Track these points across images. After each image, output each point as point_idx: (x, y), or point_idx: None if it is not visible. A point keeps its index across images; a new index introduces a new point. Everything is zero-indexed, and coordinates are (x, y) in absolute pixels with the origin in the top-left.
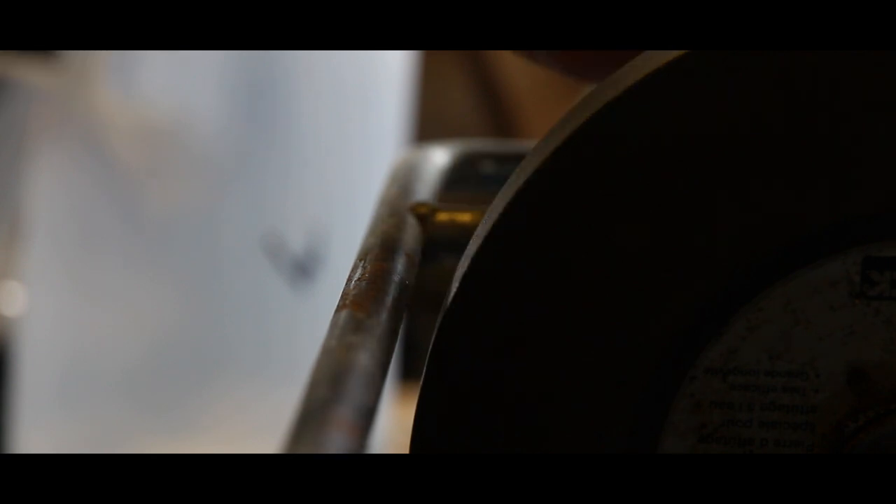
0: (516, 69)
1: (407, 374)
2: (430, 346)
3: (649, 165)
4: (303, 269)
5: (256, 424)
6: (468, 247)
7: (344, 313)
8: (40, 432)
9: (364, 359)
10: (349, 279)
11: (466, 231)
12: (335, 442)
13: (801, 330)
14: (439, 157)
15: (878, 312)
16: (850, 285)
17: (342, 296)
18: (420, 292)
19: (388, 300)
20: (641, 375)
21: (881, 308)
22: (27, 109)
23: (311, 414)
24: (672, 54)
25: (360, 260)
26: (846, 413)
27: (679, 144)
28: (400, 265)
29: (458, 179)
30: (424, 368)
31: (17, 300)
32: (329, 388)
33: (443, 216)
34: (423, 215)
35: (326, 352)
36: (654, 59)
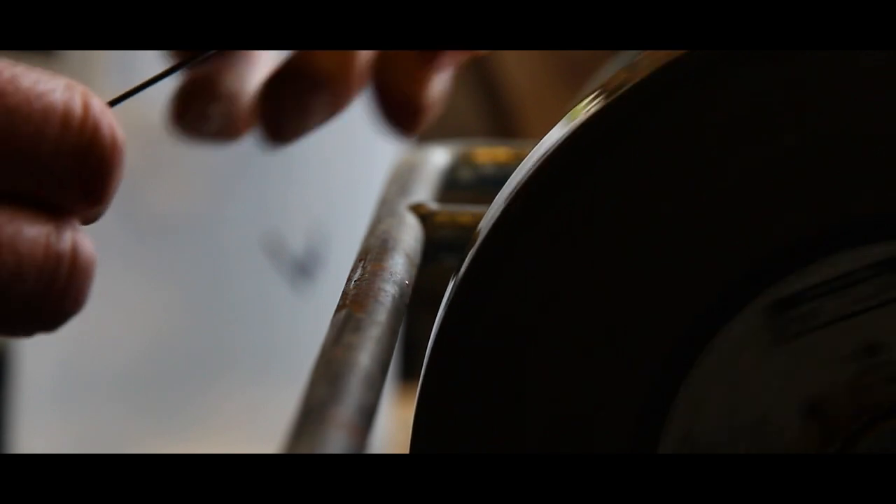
0: (516, 69)
1: (407, 374)
2: (429, 346)
3: (650, 166)
4: (303, 269)
5: (258, 426)
6: (468, 246)
7: (344, 313)
8: (40, 433)
9: (364, 359)
10: (349, 279)
11: (466, 231)
12: (335, 442)
13: (743, 387)
14: (439, 157)
15: (805, 348)
16: (768, 332)
17: (342, 296)
18: (420, 292)
19: (388, 300)
20: (637, 384)
21: (807, 343)
22: None
23: (311, 414)
24: (673, 54)
25: (360, 260)
26: (816, 448)
27: (676, 146)
28: (400, 265)
29: (458, 179)
30: (423, 368)
31: None
32: (329, 388)
33: (443, 216)
34: (423, 215)
35: (326, 352)
36: (654, 59)
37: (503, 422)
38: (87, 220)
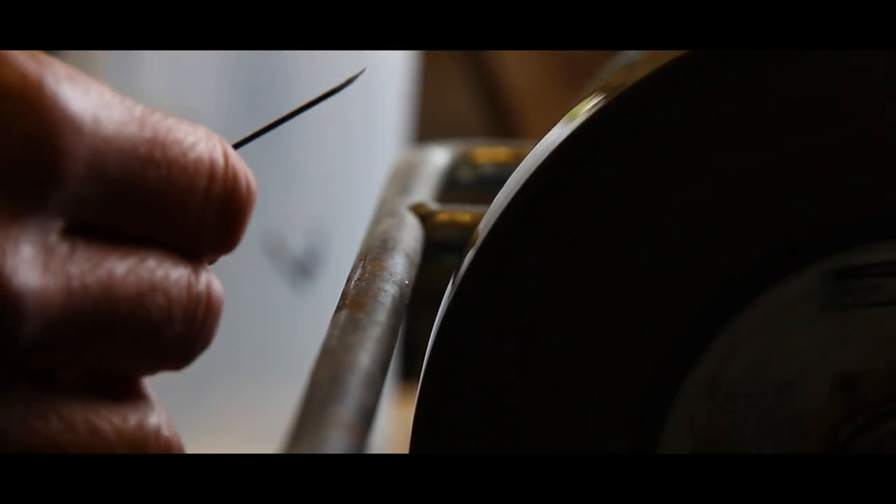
0: (516, 69)
1: (407, 374)
2: (429, 346)
3: (649, 165)
4: (303, 269)
5: (258, 426)
6: (468, 246)
7: (344, 313)
8: None
9: (364, 359)
10: (349, 279)
11: (466, 231)
12: (335, 442)
13: (782, 345)
14: (439, 157)
15: (855, 321)
16: (823, 297)
17: (342, 296)
18: (420, 292)
19: (388, 300)
20: (637, 384)
21: (857, 317)
22: None
23: (311, 414)
24: (673, 54)
25: (360, 260)
26: (839, 420)
27: (676, 145)
28: (400, 265)
29: (458, 179)
30: (423, 368)
31: None
32: (329, 388)
33: (443, 216)
34: (423, 215)
35: (326, 352)
36: (654, 59)
37: (503, 422)
38: (212, 261)
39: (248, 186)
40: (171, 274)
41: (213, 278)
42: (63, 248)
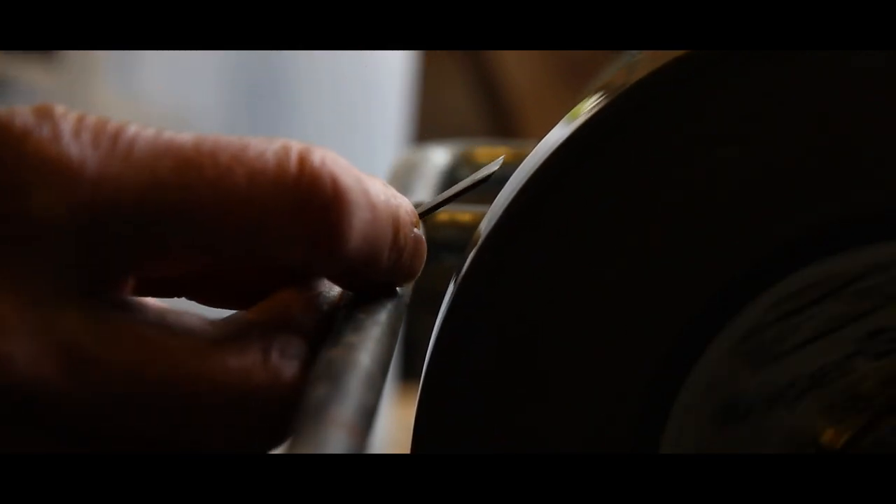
0: (516, 69)
1: (407, 374)
2: (430, 346)
3: (650, 166)
4: None
5: None
6: (468, 246)
7: (344, 313)
8: None
9: (364, 359)
10: None
11: (466, 231)
12: (335, 442)
13: (744, 386)
14: (439, 157)
15: (811, 346)
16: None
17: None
18: (420, 292)
19: (388, 300)
20: (637, 384)
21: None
22: None
23: (312, 414)
24: (673, 54)
25: None
26: (820, 442)
27: (677, 145)
28: None
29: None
30: (424, 367)
31: None
32: (329, 388)
33: (443, 216)
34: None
35: (326, 352)
36: (654, 60)
37: (504, 421)
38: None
39: (336, 185)
40: (225, 362)
41: (286, 364)
42: (71, 313)
